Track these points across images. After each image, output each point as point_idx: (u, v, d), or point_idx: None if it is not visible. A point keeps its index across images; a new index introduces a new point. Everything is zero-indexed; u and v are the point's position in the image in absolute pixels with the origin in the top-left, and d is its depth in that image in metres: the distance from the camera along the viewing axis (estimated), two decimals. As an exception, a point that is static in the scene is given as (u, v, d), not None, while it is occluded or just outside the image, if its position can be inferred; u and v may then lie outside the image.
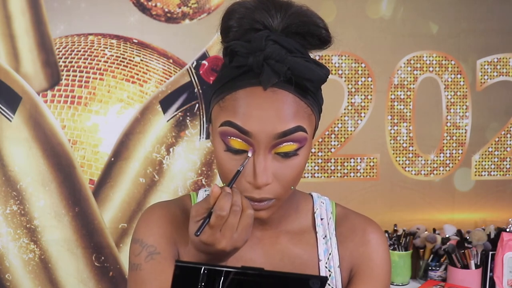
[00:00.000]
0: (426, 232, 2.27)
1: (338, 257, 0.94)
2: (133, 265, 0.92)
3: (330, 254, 0.94)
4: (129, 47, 2.13)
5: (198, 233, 0.74)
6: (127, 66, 2.13)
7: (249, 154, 0.81)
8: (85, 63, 2.11)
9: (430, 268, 2.21)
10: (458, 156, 2.37)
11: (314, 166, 2.28)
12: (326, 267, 0.93)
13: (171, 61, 2.16)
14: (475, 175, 2.39)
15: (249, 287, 0.63)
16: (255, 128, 0.80)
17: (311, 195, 1.00)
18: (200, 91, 2.15)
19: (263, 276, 0.63)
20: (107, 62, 2.12)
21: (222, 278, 0.63)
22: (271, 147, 0.81)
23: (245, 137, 0.81)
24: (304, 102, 0.83)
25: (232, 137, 0.81)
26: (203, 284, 0.63)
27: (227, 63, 0.84)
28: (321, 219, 0.97)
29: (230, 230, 0.75)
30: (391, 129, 2.32)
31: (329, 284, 0.93)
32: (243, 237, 0.76)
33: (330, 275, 0.94)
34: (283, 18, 0.83)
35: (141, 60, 2.14)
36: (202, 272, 0.63)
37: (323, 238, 0.95)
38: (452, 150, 2.36)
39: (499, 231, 2.23)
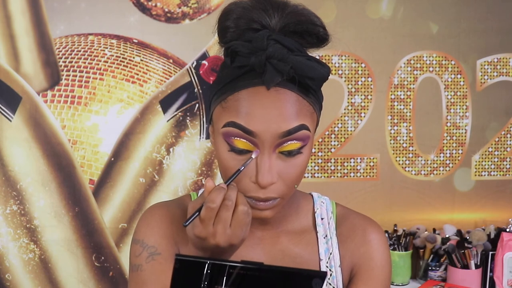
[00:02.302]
0: (426, 232, 2.27)
1: (339, 257, 0.94)
2: (134, 266, 0.92)
3: (330, 253, 0.94)
4: (129, 47, 2.13)
5: (186, 224, 0.73)
6: (127, 66, 2.13)
7: (253, 156, 0.81)
8: (85, 63, 2.11)
9: (430, 268, 2.21)
10: (458, 156, 2.37)
11: (314, 166, 2.28)
12: (327, 266, 0.94)
13: (171, 61, 2.16)
14: (475, 175, 2.39)
15: (248, 281, 0.63)
16: (259, 127, 0.80)
17: (311, 195, 1.00)
18: (200, 91, 2.15)
19: (262, 271, 0.63)
20: (107, 62, 2.12)
21: (221, 272, 0.63)
22: (275, 146, 0.81)
23: (249, 137, 0.81)
24: (306, 101, 0.83)
25: (235, 138, 0.81)
26: (202, 277, 0.63)
27: (228, 64, 0.84)
28: (322, 218, 0.97)
29: (223, 225, 0.74)
30: (391, 129, 2.32)
31: (330, 284, 0.93)
32: (238, 234, 0.75)
33: (331, 275, 0.94)
34: (280, 18, 0.83)
35: (141, 60, 2.14)
36: (201, 265, 0.63)
37: (324, 237, 0.95)
38: (452, 150, 2.36)
39: (499, 231, 2.23)
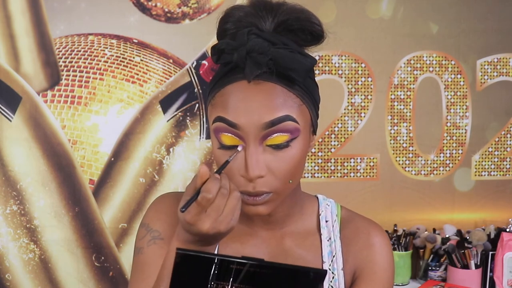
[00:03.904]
0: (426, 232, 2.27)
1: (342, 260, 0.94)
2: (136, 248, 0.94)
3: (334, 256, 0.94)
4: (129, 47, 2.13)
5: (183, 209, 0.73)
6: (127, 66, 2.13)
7: (239, 148, 0.82)
8: (85, 63, 2.11)
9: (430, 268, 2.21)
10: (458, 156, 2.37)
11: (314, 166, 2.28)
12: (329, 269, 0.94)
13: (171, 61, 2.16)
14: (475, 175, 2.39)
15: (249, 277, 0.64)
16: (242, 120, 0.81)
17: (317, 197, 1.00)
18: (200, 91, 2.15)
19: (262, 267, 0.63)
20: (107, 62, 2.12)
21: (222, 266, 0.63)
22: (261, 138, 0.82)
23: (235, 131, 0.81)
24: (292, 93, 0.83)
25: (223, 133, 0.82)
26: (202, 271, 0.64)
27: (215, 62, 0.86)
28: (326, 221, 0.97)
29: (216, 212, 0.74)
30: (391, 129, 2.32)
31: (332, 287, 0.93)
32: (228, 220, 0.75)
33: (333, 277, 0.94)
34: (273, 18, 0.85)
35: (141, 60, 2.14)
36: (202, 260, 0.63)
37: (328, 240, 0.95)
38: (452, 150, 2.36)
39: (499, 231, 2.23)
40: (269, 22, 0.85)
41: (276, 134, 0.81)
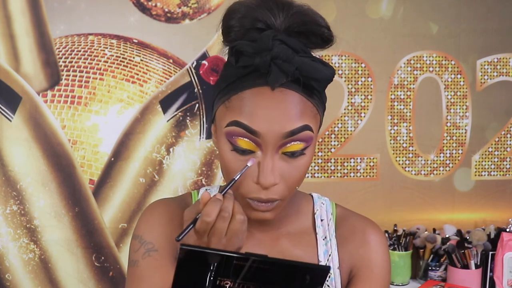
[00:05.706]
0: (426, 232, 2.27)
1: (338, 258, 0.94)
2: (131, 261, 0.93)
3: (330, 255, 0.94)
4: (129, 47, 2.13)
5: (179, 238, 0.72)
6: (127, 66, 2.13)
7: (249, 164, 0.81)
8: (85, 63, 2.11)
9: (430, 268, 2.21)
10: (458, 156, 2.37)
11: (314, 166, 2.28)
12: (326, 268, 0.94)
13: (171, 61, 2.16)
14: (475, 175, 2.39)
15: (252, 273, 0.64)
16: (263, 127, 0.80)
17: (312, 196, 1.00)
18: (200, 91, 2.15)
19: (266, 263, 0.63)
20: (107, 62, 2.12)
21: (226, 263, 0.64)
22: (278, 147, 0.81)
23: (253, 137, 0.81)
24: (310, 102, 0.83)
25: (239, 137, 0.81)
26: (206, 268, 0.64)
27: (232, 63, 0.83)
28: (321, 220, 0.96)
29: (218, 236, 0.74)
30: (391, 129, 2.32)
31: (328, 286, 0.93)
32: (233, 243, 0.75)
33: (329, 276, 0.93)
34: (285, 18, 0.83)
35: (141, 60, 2.14)
36: (206, 256, 0.64)
37: (323, 239, 0.95)
38: (452, 150, 2.36)
39: (499, 231, 2.23)
40: (280, 20, 0.83)
41: (293, 143, 0.81)
